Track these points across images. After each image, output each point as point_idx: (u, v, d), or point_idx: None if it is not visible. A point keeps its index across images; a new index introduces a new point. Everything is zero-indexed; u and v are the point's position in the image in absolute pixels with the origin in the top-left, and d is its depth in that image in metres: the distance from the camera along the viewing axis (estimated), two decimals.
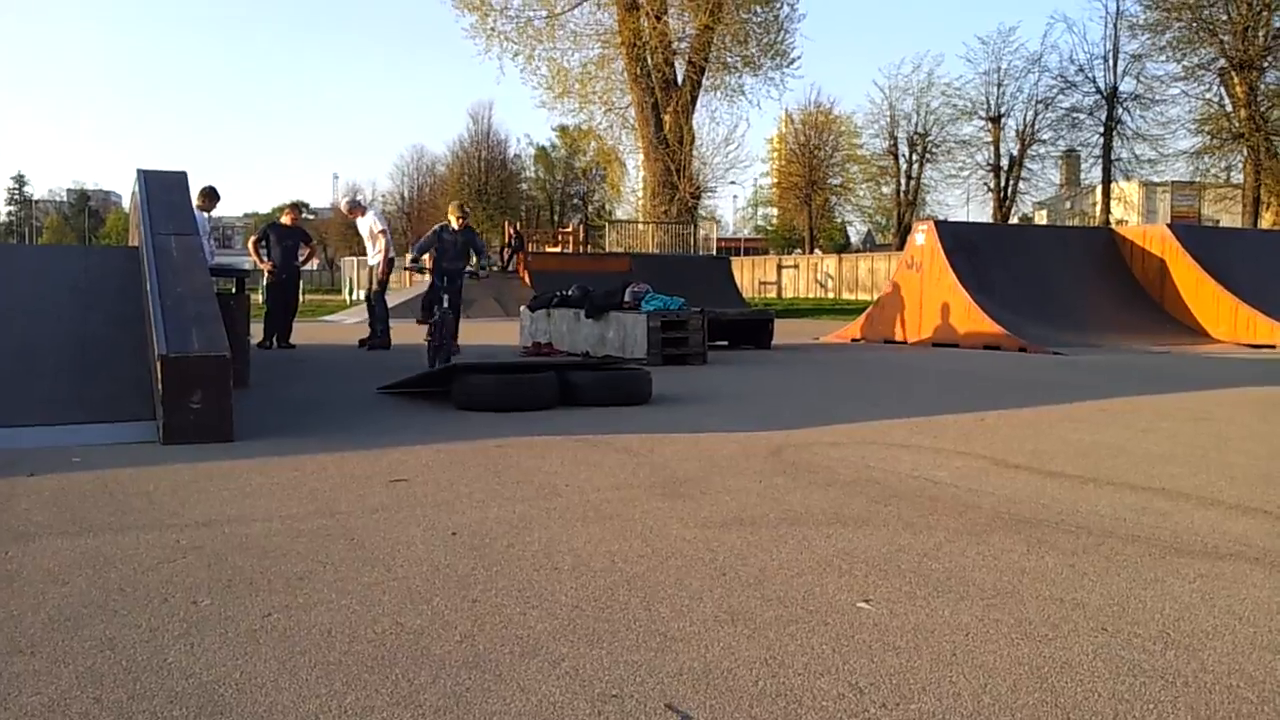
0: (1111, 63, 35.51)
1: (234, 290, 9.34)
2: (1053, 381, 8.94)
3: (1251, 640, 2.42)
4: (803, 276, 40.70)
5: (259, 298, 14.13)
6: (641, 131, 33.79)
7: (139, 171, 8.14)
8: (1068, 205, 45.29)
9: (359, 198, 14.14)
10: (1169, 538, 3.37)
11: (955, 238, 14.71)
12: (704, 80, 34.24)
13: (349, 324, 19.74)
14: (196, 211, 9.88)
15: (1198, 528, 3.51)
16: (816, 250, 48.13)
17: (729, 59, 34.70)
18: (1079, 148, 39.43)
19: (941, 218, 36.87)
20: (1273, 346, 13.38)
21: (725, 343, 12.74)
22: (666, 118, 33.24)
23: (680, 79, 33.68)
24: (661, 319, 9.98)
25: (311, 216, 70.69)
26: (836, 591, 2.76)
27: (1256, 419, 6.47)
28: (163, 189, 7.79)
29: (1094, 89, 36.20)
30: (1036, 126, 39.21)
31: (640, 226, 33.72)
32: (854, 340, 15.03)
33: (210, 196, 11.80)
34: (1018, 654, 2.31)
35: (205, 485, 4.14)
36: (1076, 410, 6.87)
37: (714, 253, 33.43)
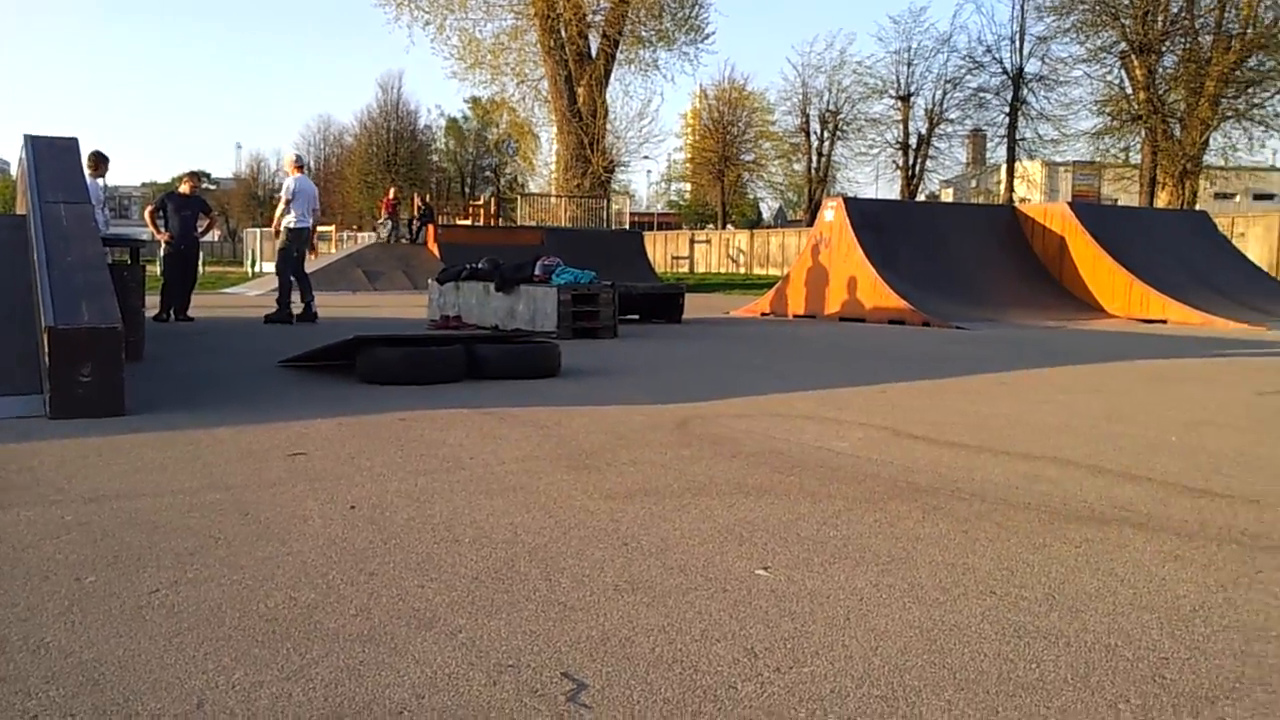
0: (1018, 44, 36.32)
1: (128, 261, 9.03)
2: (953, 355, 9.16)
3: (1131, 601, 2.51)
4: (715, 251, 40.95)
5: (156, 269, 13.66)
6: (554, 104, 33.50)
7: (26, 137, 7.78)
8: (973, 183, 46.31)
9: (299, 154, 13.64)
10: (1058, 504, 3.48)
11: (863, 214, 14.93)
12: (618, 54, 34.06)
13: (252, 296, 19.25)
14: (89, 179, 9.51)
15: (1085, 495, 3.63)
16: (729, 226, 48.45)
17: (643, 33, 34.58)
18: (985, 127, 40.34)
19: (851, 194, 37.46)
20: (1164, 321, 13.91)
21: (636, 316, 12.77)
22: (580, 91, 33.01)
23: (594, 52, 33.46)
24: (572, 292, 9.94)
25: (213, 186, 68.69)
26: (736, 559, 2.79)
27: (1146, 391, 6.72)
28: (52, 155, 7.47)
29: (1000, 70, 36.98)
30: (944, 106, 39.94)
31: (553, 200, 33.50)
32: (763, 315, 15.19)
33: (100, 161, 11.36)
34: (909, 617, 2.37)
35: (93, 460, 4.00)
36: (975, 383, 7.06)
37: (627, 227, 33.41)
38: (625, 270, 17.23)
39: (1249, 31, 30.39)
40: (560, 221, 30.18)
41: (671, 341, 10.23)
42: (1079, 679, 2.04)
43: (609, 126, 35.02)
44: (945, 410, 5.65)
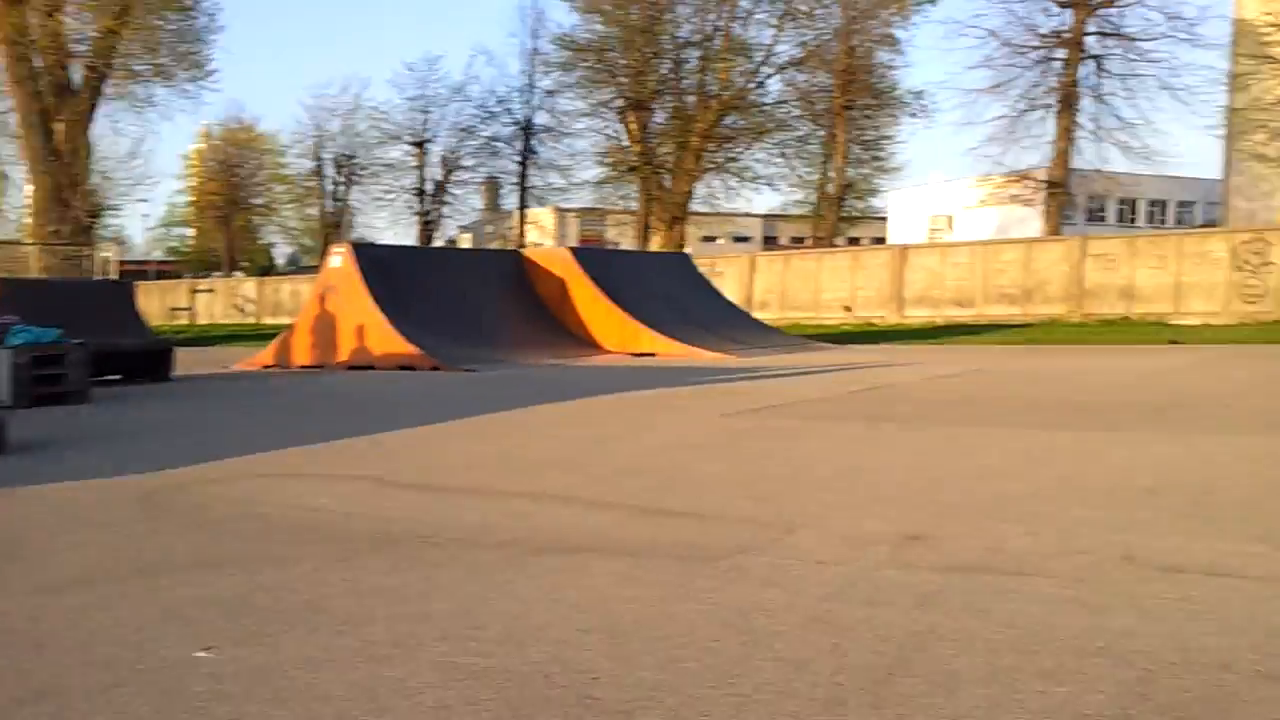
0: (528, 97, 38.40)
1: None
2: (458, 398, 9.34)
3: (578, 626, 2.63)
4: (220, 301, 38.66)
5: None
6: (27, 141, 29.68)
7: None
8: (489, 229, 48.16)
9: None
10: (528, 538, 3.60)
11: (373, 260, 14.80)
12: (107, 88, 31.05)
13: None
14: None
15: (557, 526, 3.80)
16: (237, 273, 46.01)
17: (138, 66, 31.86)
18: (499, 175, 42.18)
19: (370, 240, 37.25)
20: (653, 355, 15.27)
21: (119, 376, 11.55)
22: (60, 126, 29.56)
23: (78, 85, 30.16)
24: (31, 354, 8.75)
25: None
26: (177, 643, 2.54)
27: (628, 420, 7.28)
28: None
29: (512, 120, 38.87)
30: (459, 153, 41.14)
31: (23, 249, 29.57)
32: (267, 367, 14.46)
33: None
34: (355, 678, 2.29)
35: None
36: (475, 424, 7.22)
37: (116, 277, 30.31)
38: (113, 325, 15.42)
39: (725, 93, 34.89)
40: (31, 272, 26.64)
41: (156, 403, 9.36)
42: (512, 712, 2.09)
43: (95, 166, 31.75)
44: (439, 454, 5.70)
